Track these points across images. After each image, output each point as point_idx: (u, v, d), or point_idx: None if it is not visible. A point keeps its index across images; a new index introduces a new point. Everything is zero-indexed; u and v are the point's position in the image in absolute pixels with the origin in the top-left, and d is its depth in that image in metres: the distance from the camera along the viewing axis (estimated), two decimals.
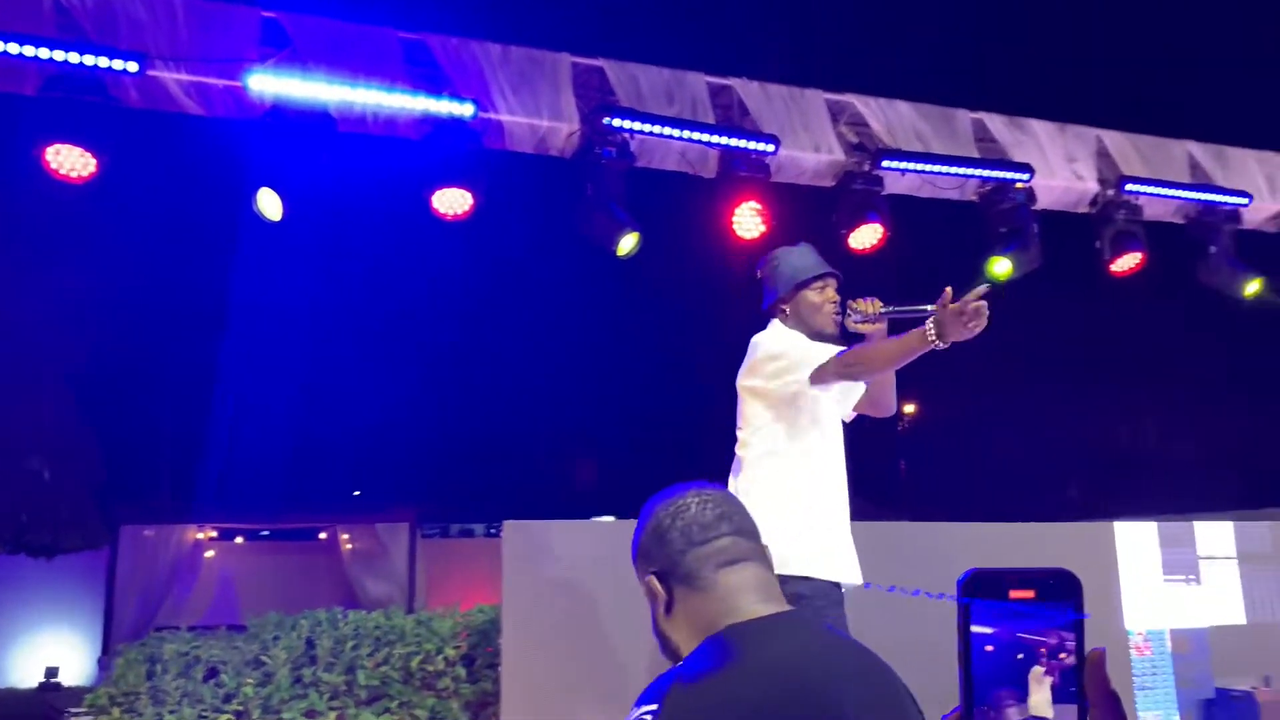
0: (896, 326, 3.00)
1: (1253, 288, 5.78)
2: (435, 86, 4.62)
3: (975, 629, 0.74)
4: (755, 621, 1.34)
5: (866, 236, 5.27)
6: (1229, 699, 4.89)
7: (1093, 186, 5.77)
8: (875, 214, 5.23)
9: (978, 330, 2.70)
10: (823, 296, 3.18)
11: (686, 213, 5.99)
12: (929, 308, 2.82)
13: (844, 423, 3.30)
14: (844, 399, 3.25)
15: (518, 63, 4.84)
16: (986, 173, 5.45)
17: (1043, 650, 0.72)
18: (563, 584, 4.16)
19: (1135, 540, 5.18)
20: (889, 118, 5.48)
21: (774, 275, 3.29)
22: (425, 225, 4.92)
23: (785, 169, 5.30)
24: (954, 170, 5.39)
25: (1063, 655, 0.72)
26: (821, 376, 2.98)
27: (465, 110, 4.56)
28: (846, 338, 3.18)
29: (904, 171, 5.32)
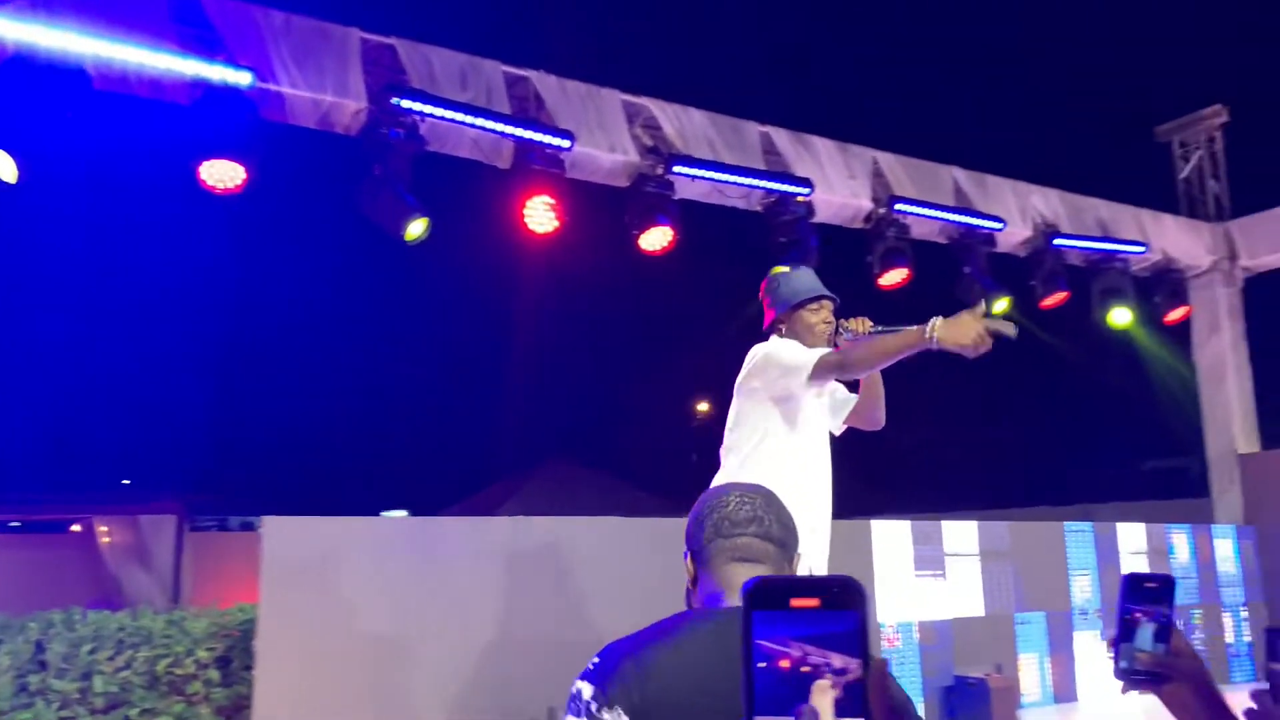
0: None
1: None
2: (209, 50, 4.31)
3: (759, 641, 0.71)
4: (725, 610, 1.48)
5: (656, 238, 5.35)
6: (965, 685, 5.30)
7: (867, 204, 6.11)
8: (665, 217, 5.32)
9: (979, 351, 2.85)
10: (818, 317, 3.36)
11: (479, 202, 5.89)
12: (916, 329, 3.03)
13: (832, 435, 3.46)
14: (835, 413, 3.47)
15: (302, 33, 4.60)
16: (771, 184, 5.65)
17: (826, 662, 0.70)
18: (325, 582, 3.99)
19: (890, 537, 5.53)
20: (683, 124, 5.59)
21: (773, 296, 3.48)
22: (196, 199, 4.59)
23: (580, 165, 5.31)
24: (742, 180, 5.57)
25: (847, 666, 0.70)
26: (820, 373, 3.12)
27: (242, 78, 4.28)
28: None
29: (694, 178, 5.44)
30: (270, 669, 3.74)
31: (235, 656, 4.29)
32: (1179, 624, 1.43)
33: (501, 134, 4.90)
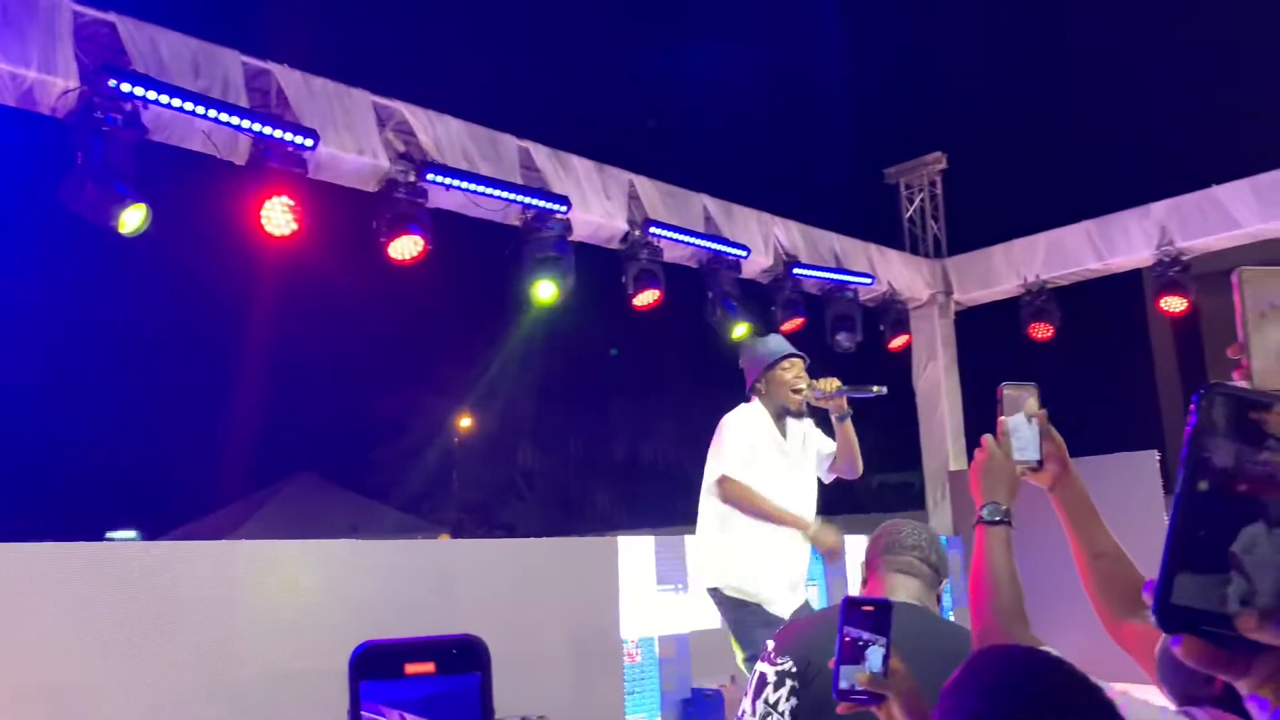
0: (854, 402, 3.81)
1: (739, 331, 6.58)
2: None
3: (366, 714, 0.62)
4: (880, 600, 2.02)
5: (406, 247, 5.18)
6: (702, 696, 5.46)
7: (622, 225, 6.21)
8: (417, 225, 5.16)
9: (834, 556, 3.94)
10: (790, 374, 3.84)
11: (216, 200, 5.47)
12: (875, 390, 3.75)
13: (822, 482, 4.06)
14: (820, 464, 4.00)
15: (3, 2, 4.09)
16: (529, 200, 5.62)
17: None
18: (35, 611, 3.54)
19: (635, 552, 5.62)
20: (438, 131, 5.45)
21: (749, 359, 4.00)
22: None
23: (324, 167, 5.05)
24: (498, 193, 5.50)
25: None
26: (722, 486, 3.79)
27: None
28: (814, 412, 3.94)
29: (449, 187, 5.32)
30: None
31: None
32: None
33: (237, 128, 4.57)
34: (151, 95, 4.24)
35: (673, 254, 6.53)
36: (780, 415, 3.91)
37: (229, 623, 4.14)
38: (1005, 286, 8.15)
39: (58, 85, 4.19)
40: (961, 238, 8.69)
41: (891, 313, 7.89)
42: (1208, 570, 0.51)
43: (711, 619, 5.89)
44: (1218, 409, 0.53)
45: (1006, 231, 8.26)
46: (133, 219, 4.31)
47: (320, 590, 4.44)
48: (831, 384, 3.79)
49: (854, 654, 1.52)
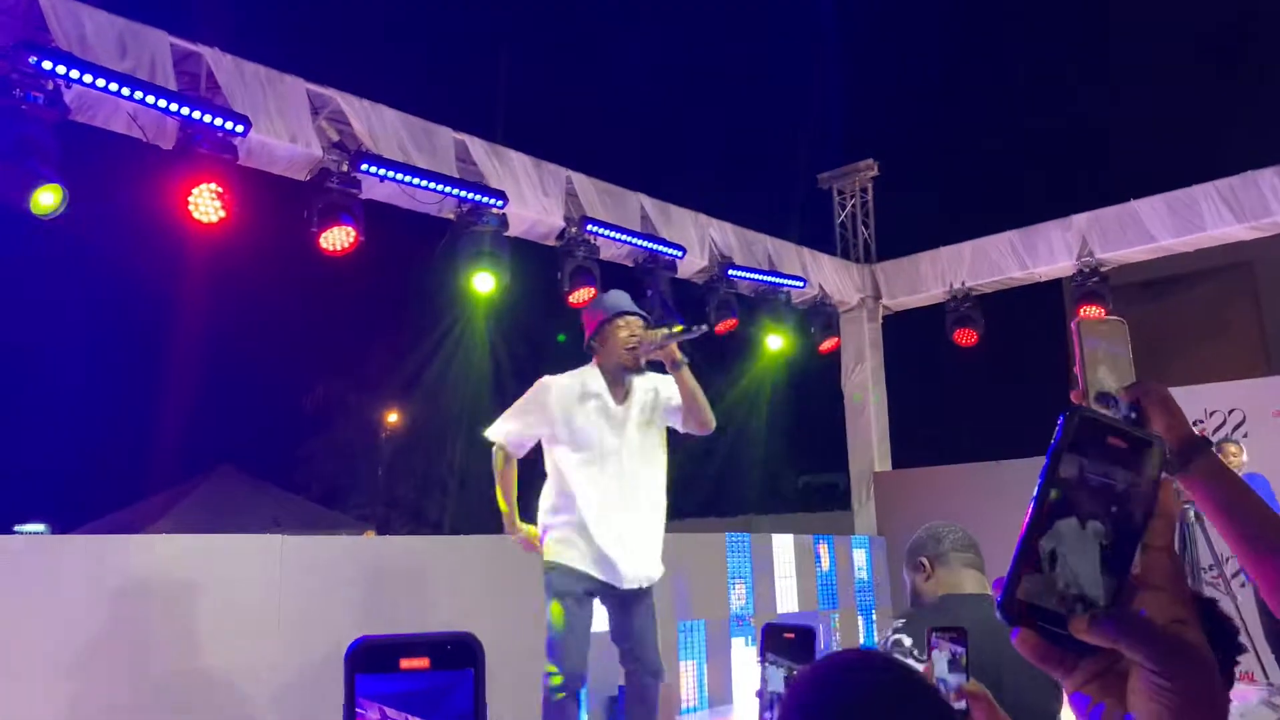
0: (688, 346, 3.65)
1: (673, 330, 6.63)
2: None
3: (361, 711, 0.62)
4: (967, 595, 2.33)
5: (338, 238, 5.10)
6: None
7: (559, 222, 6.20)
8: (349, 216, 5.09)
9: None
10: (622, 333, 3.68)
11: (139, 182, 5.32)
12: (696, 329, 3.58)
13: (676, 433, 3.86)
14: (669, 416, 3.79)
15: None
16: (464, 193, 5.58)
17: None
18: None
19: None
20: (373, 121, 5.37)
21: (587, 317, 3.85)
22: None
23: (255, 154, 4.95)
24: (434, 185, 5.44)
25: None
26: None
27: None
28: (654, 366, 3.75)
29: (383, 178, 5.25)
30: None
31: None
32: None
33: (165, 111, 4.45)
34: (74, 74, 4.10)
35: (609, 252, 6.54)
36: (617, 375, 3.72)
37: (152, 618, 4.03)
38: (932, 292, 8.33)
39: None
40: (891, 244, 8.88)
41: (822, 315, 8.01)
42: (1048, 571, 0.57)
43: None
44: (1080, 429, 0.58)
45: (934, 238, 8.46)
46: (47, 199, 4.16)
47: (246, 586, 4.35)
48: (656, 334, 3.63)
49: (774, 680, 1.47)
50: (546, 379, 3.78)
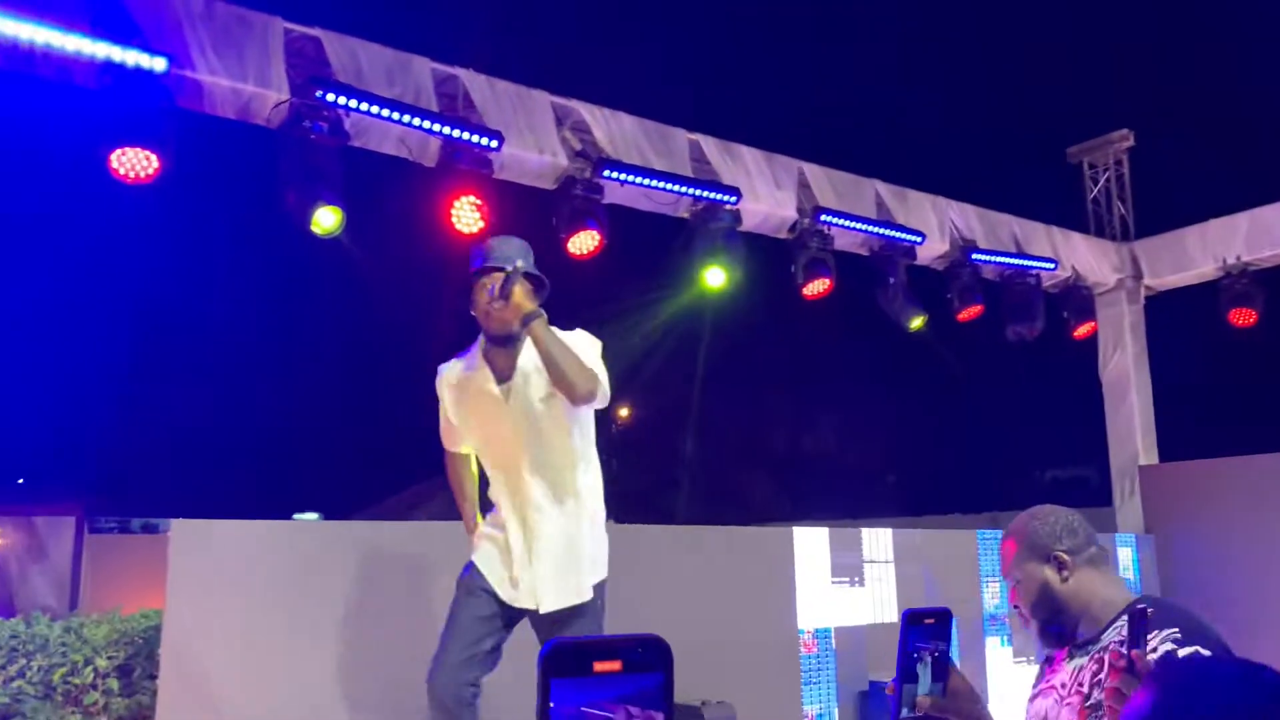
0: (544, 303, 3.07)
1: (916, 321, 6.45)
2: (123, 34, 4.13)
3: (555, 708, 0.65)
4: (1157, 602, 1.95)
5: (584, 242, 5.33)
6: (880, 690, 5.39)
7: (792, 214, 6.18)
8: (594, 221, 5.30)
9: None
10: (481, 296, 3.05)
11: (404, 198, 5.79)
12: (511, 268, 2.94)
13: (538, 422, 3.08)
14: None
15: (223, 20, 4.45)
16: (699, 192, 5.68)
17: None
18: (234, 587, 3.86)
19: (810, 543, 5.60)
20: (612, 128, 5.57)
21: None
22: (107, 188, 4.40)
23: (508, 167, 5.25)
24: (670, 186, 5.58)
25: None
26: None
27: (157, 64, 4.12)
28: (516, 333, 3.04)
29: (623, 182, 5.44)
30: (173, 678, 3.60)
31: (137, 665, 4.13)
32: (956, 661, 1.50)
33: (429, 131, 4.82)
34: (354, 104, 4.52)
35: (844, 241, 6.45)
36: (492, 348, 3.11)
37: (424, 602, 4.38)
38: (1201, 269, 7.63)
39: (271, 98, 4.53)
40: (1150, 219, 8.20)
41: (1075, 299, 7.53)
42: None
43: (889, 613, 5.83)
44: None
45: (1201, 211, 7.74)
46: (327, 220, 4.61)
47: None
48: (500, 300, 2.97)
49: (914, 673, 1.39)
50: (442, 366, 3.27)
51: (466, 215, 4.92)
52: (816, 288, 6.14)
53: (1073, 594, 1.95)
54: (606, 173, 5.34)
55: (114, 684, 4.02)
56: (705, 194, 5.70)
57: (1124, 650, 1.41)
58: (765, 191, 6.07)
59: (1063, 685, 1.96)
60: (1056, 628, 1.99)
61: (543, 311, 2.97)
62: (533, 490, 3.05)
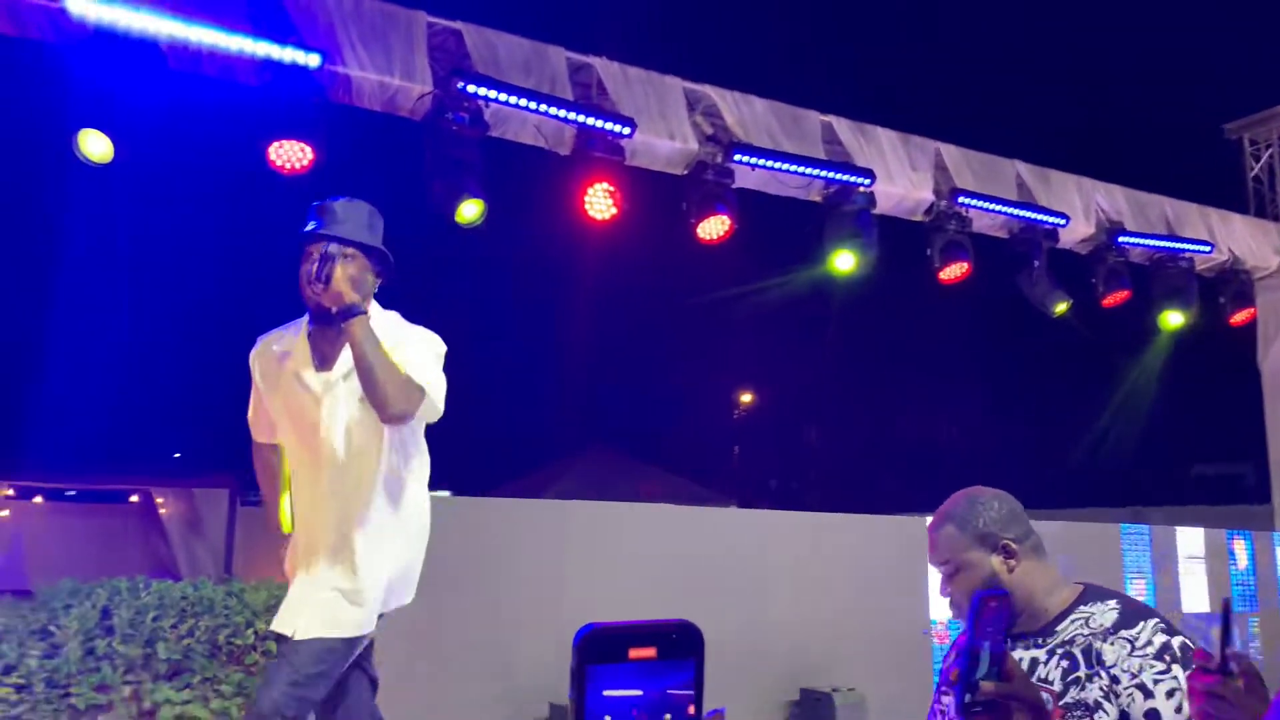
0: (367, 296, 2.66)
1: (1061, 306, 6.21)
2: (279, 32, 4.37)
3: (590, 695, 0.66)
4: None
5: (714, 227, 5.34)
6: None
7: (928, 196, 6.04)
8: (724, 205, 5.31)
9: None
10: (304, 266, 2.61)
11: (535, 187, 5.92)
12: (331, 248, 2.52)
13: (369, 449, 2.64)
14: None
15: (370, 17, 4.64)
16: (832, 174, 5.61)
17: (663, 715, 0.66)
18: None
19: None
20: (743, 112, 5.56)
21: None
22: (262, 178, 4.66)
23: (640, 153, 5.31)
24: (802, 169, 5.53)
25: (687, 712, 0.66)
26: None
27: (311, 60, 4.33)
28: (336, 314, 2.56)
29: (754, 166, 5.42)
30: None
31: None
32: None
33: (564, 120, 4.91)
34: (493, 94, 4.65)
35: (982, 223, 6.27)
36: (316, 325, 2.67)
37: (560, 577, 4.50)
38: None
39: (415, 90, 4.70)
40: None
41: (1233, 284, 7.11)
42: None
43: None
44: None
45: None
46: (470, 211, 4.77)
47: (643, 552, 4.72)
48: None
49: (976, 659, 1.32)
50: (261, 337, 2.82)
51: (599, 202, 5.00)
52: (954, 271, 5.99)
53: (1017, 584, 1.82)
54: (737, 157, 5.33)
55: (272, 646, 4.27)
56: (838, 176, 5.63)
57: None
58: (900, 173, 5.95)
59: None
60: None
61: (363, 309, 2.52)
62: (332, 500, 2.61)
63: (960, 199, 5.98)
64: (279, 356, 2.71)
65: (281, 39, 4.34)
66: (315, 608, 2.56)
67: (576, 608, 4.55)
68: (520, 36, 4.99)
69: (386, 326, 2.64)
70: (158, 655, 4.13)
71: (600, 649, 0.66)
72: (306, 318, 2.71)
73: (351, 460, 2.61)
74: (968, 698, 1.31)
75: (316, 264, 2.51)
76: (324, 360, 2.65)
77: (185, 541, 10.92)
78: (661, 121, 5.27)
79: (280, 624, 2.58)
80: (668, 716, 0.66)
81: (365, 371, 2.49)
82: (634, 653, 0.67)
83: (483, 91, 4.64)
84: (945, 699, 1.89)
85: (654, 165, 5.47)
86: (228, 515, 11.70)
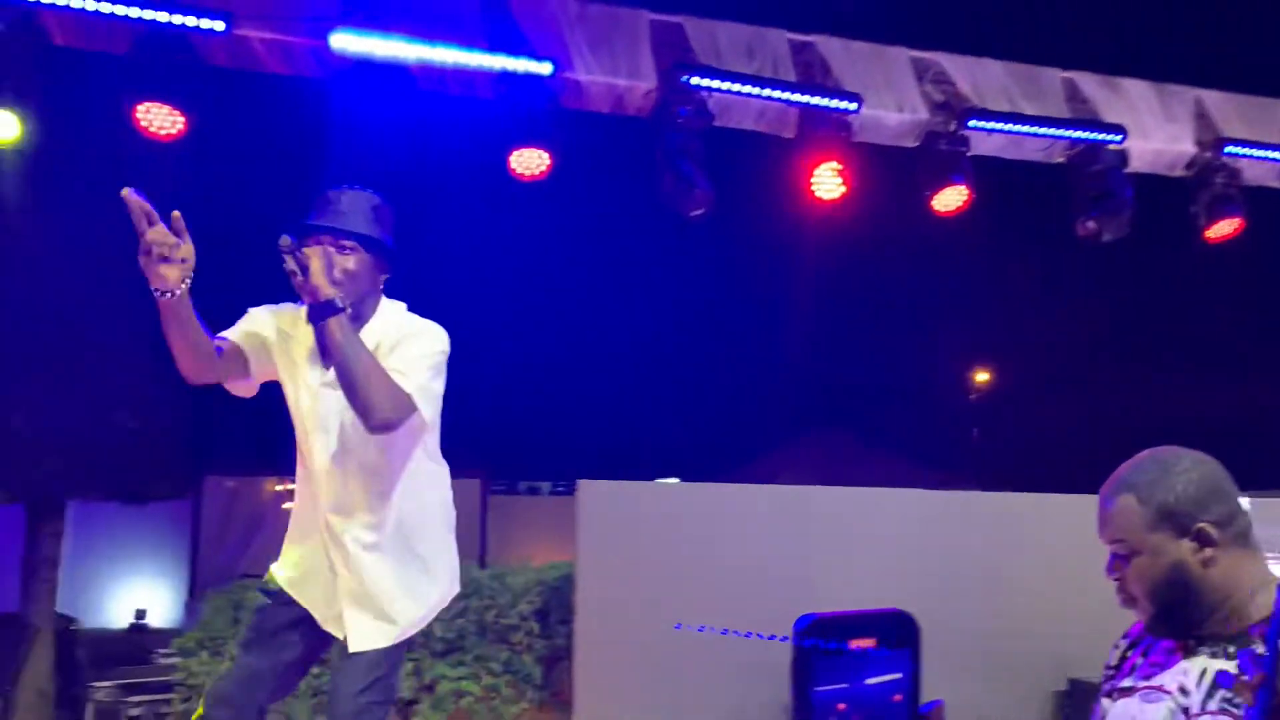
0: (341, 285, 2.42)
1: None
2: (513, 45, 4.60)
3: (814, 684, 0.65)
4: None
5: (951, 198, 5.13)
6: None
7: (1189, 149, 5.53)
8: (960, 175, 5.09)
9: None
10: (310, 260, 2.40)
11: (763, 173, 5.91)
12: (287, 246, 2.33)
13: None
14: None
15: (596, 20, 4.79)
16: (1077, 134, 5.26)
17: (880, 706, 0.66)
18: (635, 543, 4.20)
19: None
20: (976, 76, 5.31)
21: None
22: (504, 186, 4.92)
23: (867, 128, 5.18)
24: (1044, 131, 5.22)
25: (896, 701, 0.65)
26: None
27: (544, 69, 4.53)
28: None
29: (991, 131, 5.16)
30: (589, 623, 3.99)
31: (552, 610, 4.62)
32: None
33: (788, 102, 4.88)
34: (717, 84, 4.69)
35: (1254, 173, 5.67)
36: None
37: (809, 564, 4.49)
38: None
39: (640, 88, 4.81)
40: None
41: None
42: None
43: None
44: None
45: None
46: (702, 203, 4.82)
47: (886, 535, 4.63)
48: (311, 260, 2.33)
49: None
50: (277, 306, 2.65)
51: (827, 182, 4.93)
52: (1223, 229, 5.45)
53: (1213, 580, 1.47)
54: (972, 123, 5.10)
55: (534, 625, 4.54)
56: (1084, 135, 5.26)
57: None
58: (1156, 126, 5.48)
59: (1182, 690, 1.50)
60: (1180, 618, 1.53)
61: (342, 305, 2.33)
62: (342, 499, 2.51)
63: (1228, 149, 5.43)
64: (286, 335, 2.56)
65: (515, 51, 4.57)
66: (343, 609, 2.52)
67: (821, 594, 4.52)
68: (739, 23, 5.00)
69: (391, 321, 2.53)
70: (434, 634, 4.48)
71: (820, 638, 0.68)
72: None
73: (346, 462, 2.49)
74: None
75: (291, 254, 2.33)
76: (324, 354, 2.48)
77: None
78: (889, 93, 5.13)
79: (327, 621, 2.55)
80: (896, 698, 0.67)
81: (345, 375, 2.32)
82: (854, 642, 0.69)
83: (705, 82, 4.68)
84: (1109, 702, 1.62)
85: (882, 139, 5.32)
86: (479, 503, 12.56)
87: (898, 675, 0.71)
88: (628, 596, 4.06)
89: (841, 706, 0.67)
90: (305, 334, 2.51)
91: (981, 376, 22.88)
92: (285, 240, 2.32)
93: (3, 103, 3.98)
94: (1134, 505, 1.51)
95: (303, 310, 2.47)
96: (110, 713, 5.40)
